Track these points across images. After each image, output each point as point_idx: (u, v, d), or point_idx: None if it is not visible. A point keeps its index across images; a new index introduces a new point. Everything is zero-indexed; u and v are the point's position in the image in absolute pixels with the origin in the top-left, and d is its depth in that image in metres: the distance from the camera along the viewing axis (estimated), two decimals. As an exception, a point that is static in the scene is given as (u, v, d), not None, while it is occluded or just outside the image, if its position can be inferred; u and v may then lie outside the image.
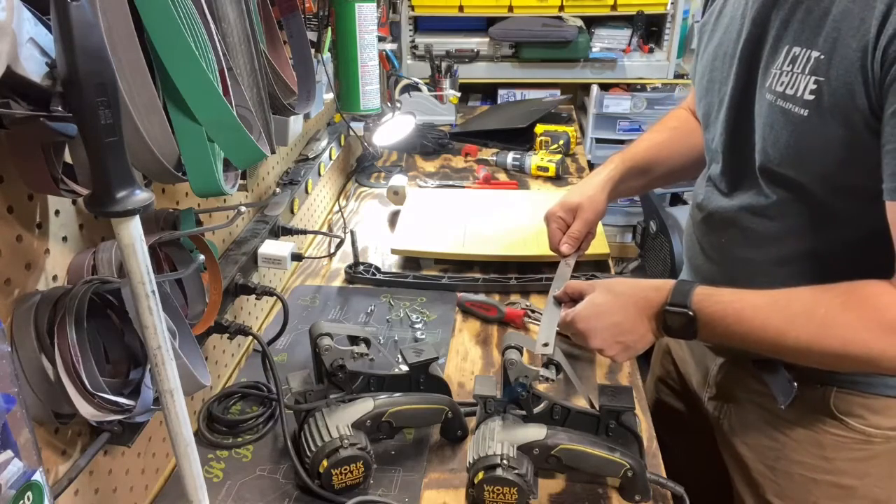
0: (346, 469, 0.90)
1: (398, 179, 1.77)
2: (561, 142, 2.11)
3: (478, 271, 1.46)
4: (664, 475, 0.94)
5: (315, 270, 1.51)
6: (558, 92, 2.81)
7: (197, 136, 0.69)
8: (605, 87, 2.89)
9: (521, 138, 2.16)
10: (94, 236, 0.79)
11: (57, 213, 0.73)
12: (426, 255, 1.50)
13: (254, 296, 1.14)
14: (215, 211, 1.04)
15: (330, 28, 1.27)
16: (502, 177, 1.99)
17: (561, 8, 2.83)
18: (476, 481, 0.87)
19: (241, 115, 0.75)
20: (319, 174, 1.67)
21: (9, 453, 0.50)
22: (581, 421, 0.94)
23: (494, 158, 2.05)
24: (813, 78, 0.79)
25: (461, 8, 2.84)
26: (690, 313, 0.87)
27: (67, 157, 0.66)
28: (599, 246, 1.40)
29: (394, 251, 1.52)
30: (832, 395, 0.95)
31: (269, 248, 1.25)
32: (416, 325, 1.29)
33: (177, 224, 0.87)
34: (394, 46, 2.08)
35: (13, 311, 0.67)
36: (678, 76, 2.91)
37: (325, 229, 1.72)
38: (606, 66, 2.89)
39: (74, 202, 0.76)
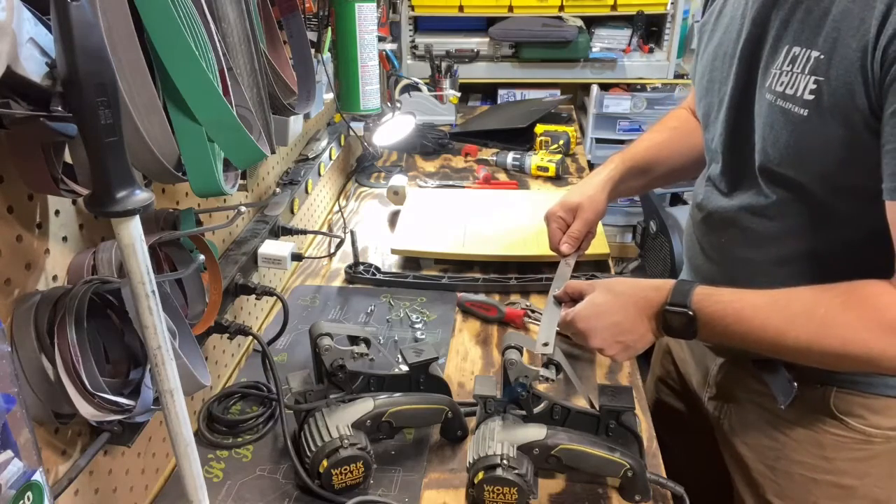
0: (346, 469, 0.90)
1: (398, 179, 1.77)
2: (561, 142, 2.11)
3: (478, 271, 1.46)
4: (664, 475, 0.94)
5: (315, 270, 1.51)
6: (558, 92, 2.81)
7: (197, 136, 0.69)
8: (605, 87, 2.89)
9: (521, 138, 2.16)
10: (94, 236, 0.80)
11: (57, 213, 0.73)
12: (426, 255, 1.50)
13: (254, 296, 1.14)
14: (215, 211, 1.04)
15: (330, 28, 1.27)
16: (502, 177, 1.99)
17: (561, 8, 2.83)
18: (476, 481, 0.87)
19: (241, 115, 0.75)
20: (319, 174, 1.68)
21: (9, 453, 0.50)
22: (581, 421, 0.94)
23: (494, 158, 2.05)
24: (813, 78, 0.79)
25: (461, 8, 2.84)
26: (690, 313, 0.87)
27: (67, 157, 0.66)
28: (599, 246, 1.40)
29: (394, 251, 1.52)
30: (832, 395, 0.95)
31: (269, 248, 1.25)
32: (416, 325, 1.29)
33: (177, 224, 0.87)
34: (394, 46, 2.08)
35: (13, 311, 0.67)
36: (678, 76, 2.91)
37: (325, 229, 1.72)
38: (606, 66, 2.89)
39: (74, 202, 0.76)
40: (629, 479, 0.89)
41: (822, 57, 0.78)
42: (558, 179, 1.95)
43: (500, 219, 1.61)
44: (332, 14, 1.25)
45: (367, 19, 1.25)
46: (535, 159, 1.98)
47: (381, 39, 1.44)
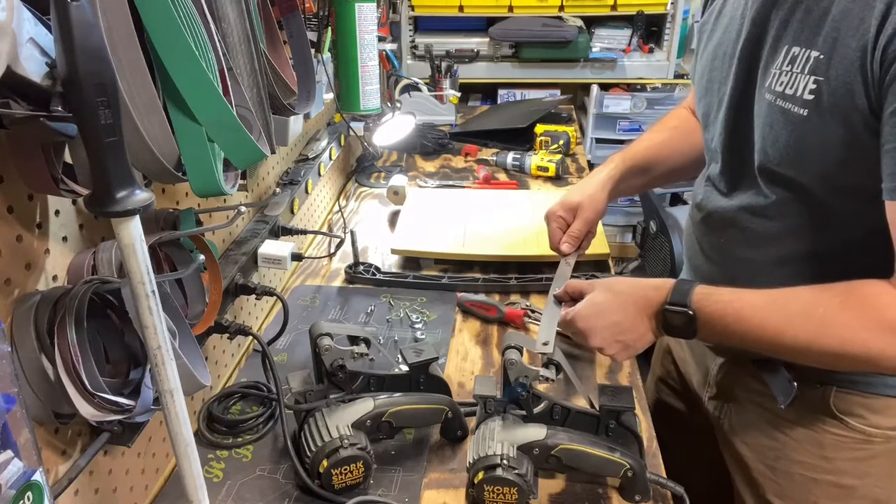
0: (346, 469, 0.90)
1: (398, 179, 1.77)
2: (561, 142, 2.11)
3: (478, 271, 1.46)
4: (664, 475, 0.94)
5: (315, 270, 1.51)
6: (558, 92, 2.81)
7: (197, 136, 0.69)
8: (605, 87, 2.89)
9: (521, 138, 2.16)
10: (94, 236, 0.80)
11: (57, 213, 0.73)
12: (426, 255, 1.50)
13: (254, 296, 1.14)
14: (215, 211, 1.04)
15: (330, 28, 1.27)
16: (502, 177, 1.99)
17: (561, 8, 2.83)
18: (476, 481, 0.87)
19: (241, 115, 0.75)
20: (319, 174, 1.68)
21: (9, 453, 0.50)
22: (581, 421, 0.94)
23: (494, 158, 2.05)
24: (812, 78, 0.79)
25: (461, 8, 2.84)
26: (690, 312, 0.87)
27: (67, 157, 0.66)
28: (599, 246, 1.40)
29: (394, 251, 1.52)
30: (832, 395, 0.95)
31: (269, 248, 1.25)
32: (416, 325, 1.29)
33: (177, 224, 0.87)
34: (394, 46, 2.08)
35: (13, 311, 0.67)
36: (678, 76, 2.91)
37: (325, 229, 1.72)
38: (606, 66, 2.88)
39: (74, 202, 0.76)
40: (629, 479, 0.89)
41: (821, 57, 0.78)
42: (558, 179, 1.95)
43: (500, 219, 1.61)
44: (332, 14, 1.25)
45: (367, 19, 1.25)
46: (535, 159, 1.98)
47: (381, 39, 1.44)
